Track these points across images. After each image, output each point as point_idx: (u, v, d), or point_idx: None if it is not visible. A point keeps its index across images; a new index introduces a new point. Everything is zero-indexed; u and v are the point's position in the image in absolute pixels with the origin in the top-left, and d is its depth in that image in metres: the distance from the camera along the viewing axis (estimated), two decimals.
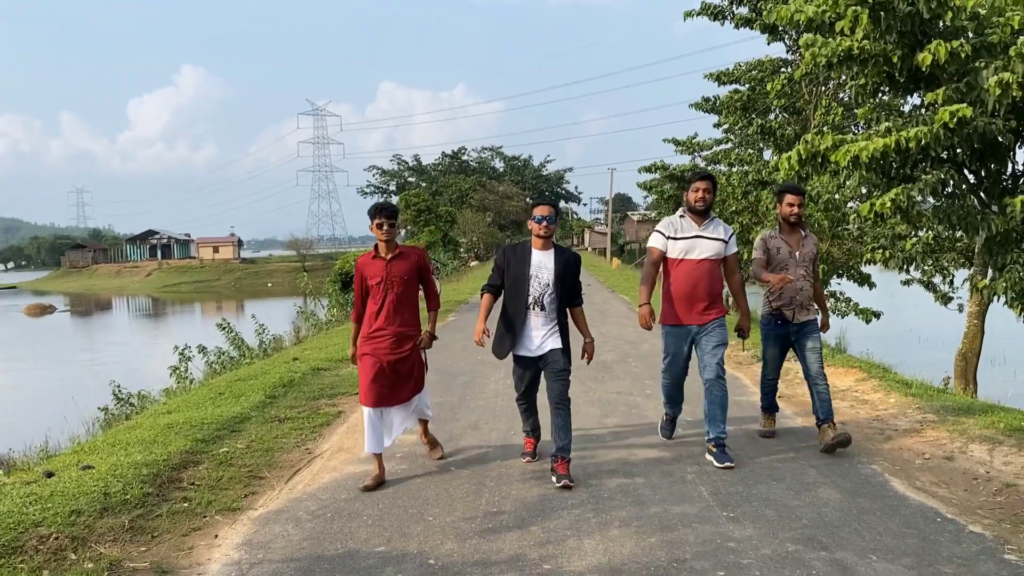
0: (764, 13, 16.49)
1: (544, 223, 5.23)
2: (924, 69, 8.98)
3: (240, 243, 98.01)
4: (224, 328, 16.01)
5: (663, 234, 5.63)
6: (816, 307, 5.98)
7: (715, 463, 5.44)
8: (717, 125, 26.04)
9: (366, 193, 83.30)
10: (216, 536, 4.52)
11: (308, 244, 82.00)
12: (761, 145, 24.48)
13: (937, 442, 5.92)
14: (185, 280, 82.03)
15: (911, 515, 4.46)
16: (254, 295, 64.78)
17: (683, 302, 5.55)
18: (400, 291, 5.28)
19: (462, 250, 30.42)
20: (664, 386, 6.03)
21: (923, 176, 9.68)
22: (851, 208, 14.99)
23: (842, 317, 15.40)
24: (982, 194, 9.93)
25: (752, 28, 19.27)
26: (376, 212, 5.30)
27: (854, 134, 20.75)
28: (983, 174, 9.88)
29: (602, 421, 7.01)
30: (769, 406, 6.41)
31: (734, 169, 23.00)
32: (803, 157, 9.92)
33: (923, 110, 9.86)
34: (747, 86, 22.83)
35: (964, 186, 9.98)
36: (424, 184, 69.05)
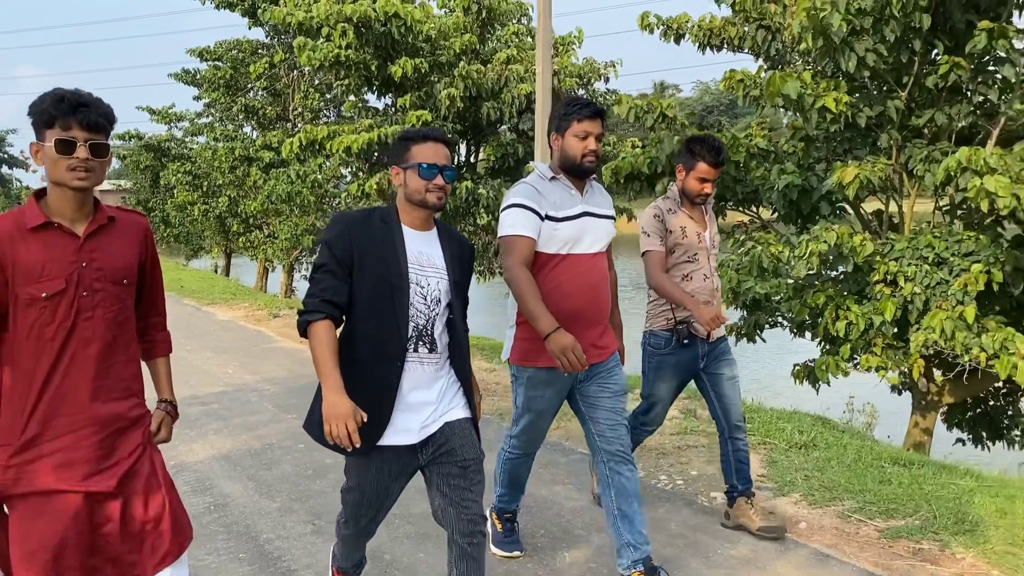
0: (259, 11, 17.96)
1: (438, 177, 2.66)
2: (396, 79, 11.47)
3: None
4: None
5: (535, 211, 3.21)
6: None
7: None
8: (198, 98, 26.58)
9: None
10: None
11: None
12: (243, 122, 25.82)
13: None
14: None
15: None
16: None
17: (575, 324, 3.25)
18: (112, 314, 2.30)
19: None
20: (506, 469, 3.68)
21: None
22: (342, 189, 17.05)
23: None
24: None
25: (233, 11, 20.36)
26: (64, 108, 2.18)
27: (327, 118, 23.41)
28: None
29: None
30: None
31: (220, 144, 23.98)
32: (304, 143, 11.79)
33: (394, 111, 12.39)
34: (228, 64, 23.85)
35: None
36: None
